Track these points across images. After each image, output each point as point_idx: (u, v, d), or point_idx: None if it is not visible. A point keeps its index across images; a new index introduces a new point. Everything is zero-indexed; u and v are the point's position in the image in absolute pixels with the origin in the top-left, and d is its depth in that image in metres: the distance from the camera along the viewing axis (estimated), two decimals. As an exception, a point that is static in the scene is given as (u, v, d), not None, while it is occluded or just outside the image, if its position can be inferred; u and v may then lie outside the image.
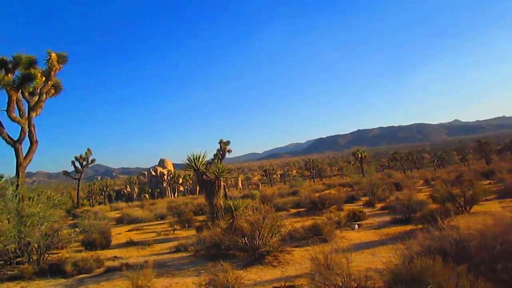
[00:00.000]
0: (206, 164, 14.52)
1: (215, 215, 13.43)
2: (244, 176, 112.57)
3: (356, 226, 13.49)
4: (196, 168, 14.03)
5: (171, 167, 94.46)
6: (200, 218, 19.19)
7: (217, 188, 13.66)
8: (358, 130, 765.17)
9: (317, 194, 22.42)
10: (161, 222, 21.91)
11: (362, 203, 20.41)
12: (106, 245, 14.07)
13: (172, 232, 16.77)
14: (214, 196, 13.63)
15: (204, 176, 14.04)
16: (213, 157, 47.11)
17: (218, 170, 13.92)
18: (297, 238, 11.78)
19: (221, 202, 13.59)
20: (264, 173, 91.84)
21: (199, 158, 14.17)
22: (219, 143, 48.55)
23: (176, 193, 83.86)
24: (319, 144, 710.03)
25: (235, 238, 9.68)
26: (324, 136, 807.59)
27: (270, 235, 9.32)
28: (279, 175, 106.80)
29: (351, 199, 22.53)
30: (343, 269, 5.61)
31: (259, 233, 9.19)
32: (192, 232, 15.46)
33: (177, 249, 12.17)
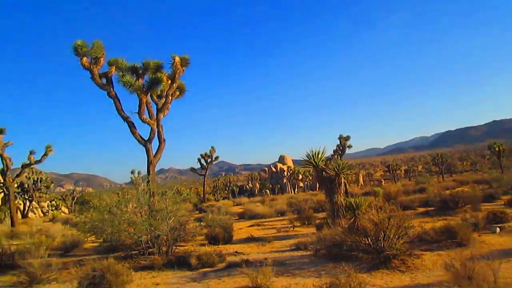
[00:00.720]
0: (325, 160, 14.04)
1: (335, 213, 12.92)
2: (365, 172, 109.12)
3: (498, 229, 11.86)
4: (315, 164, 13.66)
5: (290, 164, 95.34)
6: (320, 215, 18.76)
7: (337, 185, 13.12)
8: (494, 121, 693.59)
9: (447, 192, 20.55)
10: (281, 218, 21.96)
11: (503, 203, 18.07)
12: (228, 240, 14.41)
13: (291, 229, 16.63)
14: (335, 193, 13.12)
15: (323, 172, 13.60)
16: (332, 153, 46.24)
17: (338, 167, 13.36)
18: (427, 241, 10.71)
19: (342, 200, 13.02)
20: (387, 169, 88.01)
21: (318, 154, 13.77)
22: (339, 138, 47.51)
23: (296, 189, 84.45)
24: (447, 137, 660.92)
25: (358, 239, 9.12)
26: (453, 129, 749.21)
27: (396, 237, 8.56)
28: (403, 171, 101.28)
29: (489, 198, 20.11)
30: (487, 281, 4.78)
31: (384, 234, 8.49)
32: (312, 229, 15.14)
33: (297, 247, 11.93)
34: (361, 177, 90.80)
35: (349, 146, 47.74)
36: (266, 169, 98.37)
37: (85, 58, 15.91)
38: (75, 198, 62.75)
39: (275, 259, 10.32)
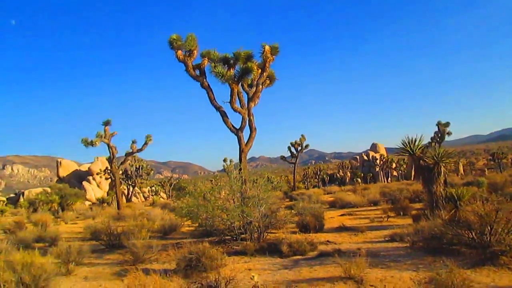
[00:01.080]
0: (423, 148, 13.26)
1: (434, 204, 12.19)
2: (466, 161, 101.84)
3: None
4: (412, 152, 12.96)
5: (383, 152, 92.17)
6: (416, 206, 17.86)
7: (436, 174, 12.34)
8: None
9: None
10: (374, 208, 21.30)
11: None
12: (319, 228, 14.29)
13: (385, 219, 16.03)
14: (433, 183, 12.35)
15: (421, 161, 12.87)
16: (430, 141, 43.64)
17: (438, 155, 12.55)
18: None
19: (441, 190, 12.24)
20: (491, 157, 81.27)
21: (415, 141, 13.05)
22: (437, 125, 44.67)
23: (389, 178, 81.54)
24: None
25: (460, 232, 8.49)
26: None
27: (505, 232, 7.82)
28: (510, 160, 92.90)
29: None
30: None
31: (491, 228, 7.80)
32: (408, 220, 14.44)
33: (392, 239, 11.45)
34: (461, 166, 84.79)
35: (449, 133, 44.65)
36: (358, 157, 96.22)
37: (179, 51, 16.64)
38: (172, 185, 66.48)
39: (369, 249, 10.00)
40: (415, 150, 13.00)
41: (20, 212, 38.56)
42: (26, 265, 7.95)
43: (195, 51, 16.60)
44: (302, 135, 49.01)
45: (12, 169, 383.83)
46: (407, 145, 13.18)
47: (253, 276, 6.98)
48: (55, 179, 74.89)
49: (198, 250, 9.17)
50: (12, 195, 72.51)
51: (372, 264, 8.46)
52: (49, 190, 50.44)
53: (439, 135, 44.48)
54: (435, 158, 12.58)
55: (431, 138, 45.38)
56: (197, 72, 16.95)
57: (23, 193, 64.98)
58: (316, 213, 15.33)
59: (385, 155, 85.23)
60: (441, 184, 12.48)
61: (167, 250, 11.99)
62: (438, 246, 9.11)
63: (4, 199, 64.43)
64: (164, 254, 11.58)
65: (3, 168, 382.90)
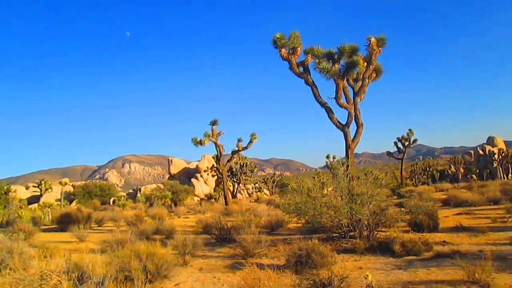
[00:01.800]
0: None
1: None
2: None
3: None
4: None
5: (502, 145, 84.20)
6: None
7: None
8: None
9: None
10: (495, 207, 19.51)
11: None
12: (434, 228, 13.47)
13: (510, 219, 14.61)
14: None
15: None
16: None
17: None
18: None
19: None
20: None
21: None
22: None
23: (509, 175, 74.31)
24: None
25: None
26: None
27: None
28: None
29: None
30: None
31: None
32: (537, 222, 13.04)
33: (519, 241, 10.43)
34: None
35: None
36: (472, 152, 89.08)
37: (283, 50, 16.79)
38: (275, 181, 67.41)
39: (493, 252, 9.17)
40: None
41: (138, 207, 41.94)
42: (150, 255, 8.60)
43: (298, 48, 16.63)
44: (409, 130, 46.73)
45: (130, 167, 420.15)
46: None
47: (367, 275, 6.77)
48: (167, 176, 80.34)
49: (307, 246, 9.16)
50: (130, 191, 79.28)
51: (499, 268, 7.74)
52: (162, 186, 54.28)
53: None
54: None
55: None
56: (301, 69, 16.96)
57: (140, 189, 70.64)
58: (430, 212, 14.46)
59: (505, 149, 77.72)
60: None
61: (276, 245, 12.16)
62: None
63: (125, 194, 70.65)
64: (272, 250, 11.76)
65: (123, 166, 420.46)
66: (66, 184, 62.46)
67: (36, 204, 57.21)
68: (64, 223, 20.88)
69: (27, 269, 5.60)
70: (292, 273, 7.91)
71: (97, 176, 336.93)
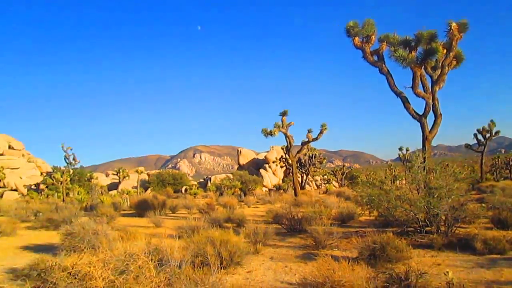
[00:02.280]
0: None
1: None
2: None
3: None
4: None
5: None
6: None
7: None
8: None
9: None
10: None
11: None
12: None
13: None
14: None
15: None
16: None
17: None
18: None
19: None
20: None
21: None
22: None
23: None
24: None
25: None
26: None
27: None
28: None
29: None
30: None
31: None
32: None
33: None
34: None
35: None
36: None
37: (357, 38, 16.34)
38: (345, 173, 66.34)
39: None
40: None
41: (209, 195, 43.15)
42: (223, 242, 8.82)
43: (373, 36, 16.09)
44: (491, 121, 43.76)
45: (200, 157, 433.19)
46: None
47: (447, 272, 6.47)
48: (236, 166, 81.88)
49: (381, 239, 8.93)
50: (201, 180, 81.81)
51: None
52: (231, 176, 55.45)
53: None
54: None
55: None
56: (376, 57, 16.43)
57: (210, 179, 72.69)
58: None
59: None
60: None
61: (348, 237, 11.98)
62: None
63: (196, 183, 73.05)
64: (344, 242, 11.61)
65: (193, 156, 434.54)
66: (141, 172, 65.74)
67: (115, 191, 60.90)
68: (141, 209, 21.98)
69: (112, 249, 5.96)
70: (366, 266, 7.74)
71: (170, 166, 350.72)
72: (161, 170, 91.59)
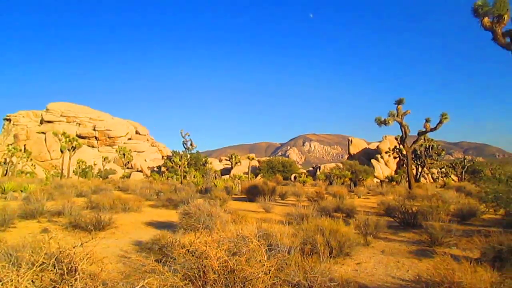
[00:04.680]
0: None
1: None
2: None
3: None
4: None
5: None
6: None
7: None
8: None
9: None
10: None
11: None
12: None
13: None
14: None
15: None
16: None
17: None
18: None
19: None
20: None
21: None
22: None
23: None
24: None
25: None
26: None
27: None
28: None
29: None
30: None
31: None
32: None
33: None
34: None
35: None
36: None
37: (486, 18, 14.81)
38: (465, 167, 61.43)
39: None
40: None
41: (318, 184, 43.07)
42: (333, 231, 8.71)
43: (505, 16, 14.44)
44: None
45: (310, 145, 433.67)
46: None
47: None
48: (346, 156, 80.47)
49: (510, 241, 8.07)
50: (310, 168, 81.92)
51: None
52: (341, 165, 54.54)
53: None
54: None
55: None
56: (508, 39, 14.75)
57: (319, 167, 72.47)
58: None
59: None
60: None
61: (468, 236, 11.08)
62: None
63: (305, 171, 73.36)
64: (464, 240, 10.75)
65: (303, 144, 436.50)
66: (253, 159, 67.88)
67: (227, 175, 63.75)
68: (251, 194, 22.70)
69: (225, 231, 6.21)
70: (490, 269, 7.07)
71: (280, 153, 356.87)
72: (271, 157, 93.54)
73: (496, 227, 12.64)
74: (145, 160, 78.68)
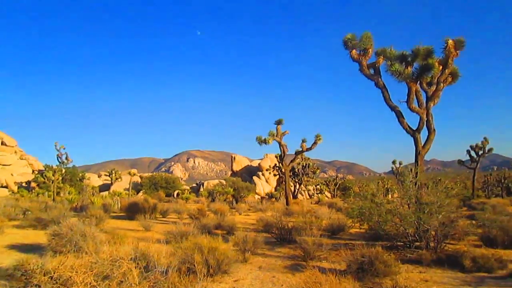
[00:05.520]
0: None
1: None
2: None
3: None
4: None
5: None
6: None
7: None
8: None
9: None
10: None
11: None
12: (509, 244, 12.54)
13: None
14: None
15: None
16: None
17: None
18: None
19: None
20: None
21: None
22: None
23: None
24: None
25: None
26: None
27: None
28: None
29: None
30: None
31: None
32: None
33: None
34: None
35: None
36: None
37: (354, 51, 16.45)
38: (337, 184, 66.38)
39: None
40: None
41: (201, 201, 42.97)
42: (211, 249, 8.76)
43: (370, 50, 16.23)
44: (485, 138, 44.11)
45: (194, 162, 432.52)
46: None
47: (434, 289, 6.45)
48: (229, 172, 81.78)
49: (370, 253, 8.90)
50: (194, 185, 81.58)
51: None
52: (224, 182, 55.27)
53: None
54: None
55: None
56: (372, 71, 16.54)
57: (203, 184, 72.49)
58: (505, 227, 13.49)
59: None
60: None
61: (337, 249, 11.94)
62: None
63: (188, 188, 72.78)
64: (333, 254, 11.55)
65: (187, 160, 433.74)
66: (134, 174, 65.53)
67: (106, 192, 60.51)
68: (131, 211, 21.85)
69: (98, 253, 5.89)
70: (353, 279, 7.71)
71: (163, 169, 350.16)
72: (154, 173, 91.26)
73: (360, 240, 13.84)
74: (12, 175, 71.28)
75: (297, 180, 54.86)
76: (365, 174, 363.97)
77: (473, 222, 14.64)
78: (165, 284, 5.56)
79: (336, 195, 62.80)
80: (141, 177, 72.93)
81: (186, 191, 63.46)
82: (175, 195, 60.92)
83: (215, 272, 8.61)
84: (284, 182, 34.32)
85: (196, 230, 13.26)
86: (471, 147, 44.97)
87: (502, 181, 64.20)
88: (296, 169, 53.99)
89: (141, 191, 62.32)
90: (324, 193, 66.91)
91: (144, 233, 15.67)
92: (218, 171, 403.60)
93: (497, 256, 10.00)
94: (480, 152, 44.26)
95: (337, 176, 75.77)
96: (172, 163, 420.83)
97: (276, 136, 30.74)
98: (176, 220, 19.72)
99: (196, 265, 7.49)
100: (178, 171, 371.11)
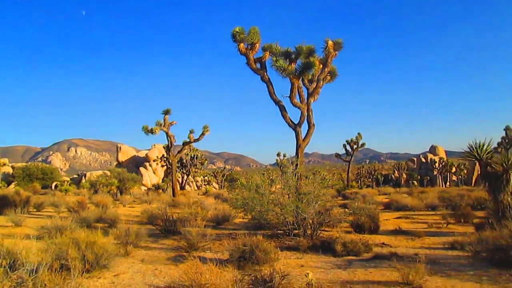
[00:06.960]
0: (490, 153, 12.52)
1: (500, 214, 11.53)
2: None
3: None
4: (479, 157, 12.30)
5: (443, 155, 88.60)
6: (479, 213, 16.95)
7: (504, 182, 11.64)
8: None
9: None
10: (432, 213, 20.39)
11: None
12: (374, 230, 13.90)
13: (445, 225, 15.37)
14: (500, 191, 11.66)
15: (488, 167, 12.19)
16: (496, 146, 41.51)
17: (507, 161, 11.81)
18: None
19: (509, 199, 11.54)
20: None
21: (482, 146, 12.36)
22: (505, 129, 42.32)
23: (447, 183, 78.37)
24: None
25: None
26: None
27: None
28: None
29: None
30: None
31: None
32: (469, 228, 13.77)
33: (452, 246, 10.96)
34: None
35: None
36: (415, 159, 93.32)
37: (242, 44, 16.76)
38: (225, 176, 67.46)
39: (427, 255, 9.60)
40: (482, 155, 12.32)
41: (82, 193, 40.58)
42: (90, 244, 8.34)
43: (257, 45, 16.66)
44: (358, 133, 48.27)
45: (76, 151, 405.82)
46: (474, 149, 12.53)
47: (307, 273, 6.88)
48: (115, 163, 78.38)
49: (251, 242, 9.19)
50: (75, 176, 76.68)
51: (431, 271, 8.10)
52: (108, 173, 52.82)
53: (507, 140, 42.15)
54: (505, 164, 11.85)
55: (498, 144, 43.15)
56: (258, 65, 17.02)
57: (85, 175, 68.46)
58: (372, 214, 14.93)
59: (445, 159, 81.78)
60: (509, 193, 11.76)
61: (220, 239, 12.15)
62: (505, 259, 8.55)
63: (68, 179, 68.20)
64: (217, 244, 11.74)
65: (68, 150, 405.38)
66: (5, 164, 59.63)
67: (-30, 184, 54.13)
68: (-1, 205, 19.84)
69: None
70: (234, 268, 7.92)
71: (40, 159, 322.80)
72: (29, 163, 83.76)
73: (244, 230, 14.26)
74: None
75: (185, 171, 54.54)
76: (252, 166, 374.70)
77: (346, 210, 15.88)
78: (35, 282, 5.17)
79: (224, 186, 63.75)
80: (13, 168, 66.46)
81: (66, 182, 59.43)
82: (53, 187, 56.70)
83: (93, 267, 8.23)
84: (171, 173, 33.89)
85: (75, 224, 12.51)
86: (347, 141, 48.82)
87: (373, 173, 70.84)
88: (184, 160, 53.63)
89: (13, 183, 56.84)
90: (212, 184, 67.52)
91: (13, 229, 14.36)
92: (102, 162, 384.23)
93: (364, 241, 11.02)
94: (355, 146, 48.26)
95: (225, 168, 76.87)
96: (51, 152, 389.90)
97: (164, 126, 30.16)
98: (53, 214, 18.38)
99: (70, 261, 7.06)
100: (57, 161, 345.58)
